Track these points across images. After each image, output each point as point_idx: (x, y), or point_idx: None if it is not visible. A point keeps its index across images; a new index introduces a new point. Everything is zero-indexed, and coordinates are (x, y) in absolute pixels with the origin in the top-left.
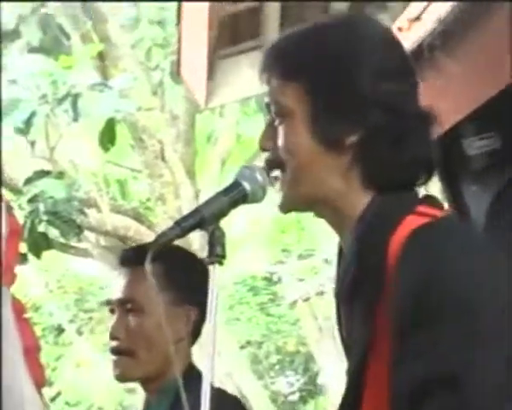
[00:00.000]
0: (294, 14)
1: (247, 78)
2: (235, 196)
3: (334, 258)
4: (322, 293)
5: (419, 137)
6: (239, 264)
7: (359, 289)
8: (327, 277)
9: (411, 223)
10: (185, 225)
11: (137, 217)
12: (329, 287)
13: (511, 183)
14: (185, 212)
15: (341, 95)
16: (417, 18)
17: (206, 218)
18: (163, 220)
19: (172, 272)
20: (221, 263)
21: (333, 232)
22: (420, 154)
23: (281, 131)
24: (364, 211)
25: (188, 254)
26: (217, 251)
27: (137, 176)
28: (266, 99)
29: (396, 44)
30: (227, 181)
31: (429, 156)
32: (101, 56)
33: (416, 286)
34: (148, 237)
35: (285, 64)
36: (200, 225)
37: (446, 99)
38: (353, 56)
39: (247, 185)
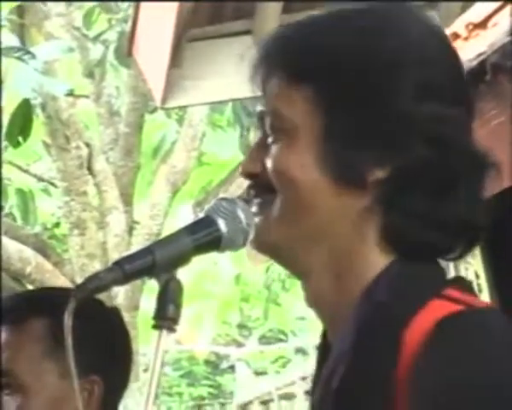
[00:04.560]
0: None
1: (227, 72)
2: (205, 238)
3: (311, 348)
4: (290, 396)
5: (470, 187)
6: (171, 334)
7: (352, 395)
8: (300, 373)
9: (438, 309)
10: (129, 268)
11: (41, 248)
12: (301, 388)
13: None
14: (111, 249)
15: (369, 112)
16: (482, 24)
17: (160, 263)
18: (78, 258)
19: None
20: (172, 330)
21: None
22: (467, 213)
23: (276, 151)
24: (376, 282)
25: (90, 302)
26: (168, 312)
27: (49, 189)
28: (260, 107)
29: (452, 52)
30: (177, 214)
31: (477, 220)
32: (20, 12)
33: (443, 401)
34: (53, 278)
35: (294, 60)
36: (149, 271)
37: (509, 145)
38: (392, 59)
39: (222, 225)
